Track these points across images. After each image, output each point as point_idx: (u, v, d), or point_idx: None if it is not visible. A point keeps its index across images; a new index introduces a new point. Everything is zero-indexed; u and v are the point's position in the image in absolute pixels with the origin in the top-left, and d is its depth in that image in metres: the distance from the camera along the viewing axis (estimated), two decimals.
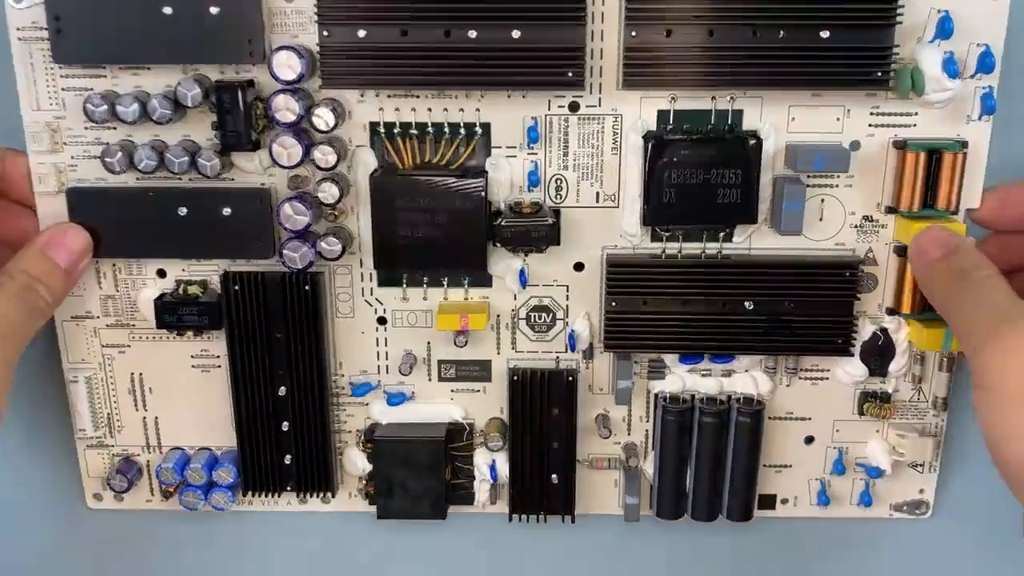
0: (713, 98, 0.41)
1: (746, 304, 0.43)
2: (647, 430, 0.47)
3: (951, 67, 0.39)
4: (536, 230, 0.42)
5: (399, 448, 0.45)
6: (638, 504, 0.46)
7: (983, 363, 0.34)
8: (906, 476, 0.47)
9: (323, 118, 0.40)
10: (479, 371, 0.46)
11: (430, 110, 0.41)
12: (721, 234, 0.43)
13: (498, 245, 0.42)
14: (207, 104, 0.41)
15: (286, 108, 0.40)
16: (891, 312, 0.44)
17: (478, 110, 0.41)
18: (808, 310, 0.43)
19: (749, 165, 0.41)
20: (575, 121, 0.42)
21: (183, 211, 0.42)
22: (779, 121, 0.41)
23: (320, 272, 0.44)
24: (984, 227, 0.42)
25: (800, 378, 0.45)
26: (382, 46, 0.39)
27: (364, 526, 0.49)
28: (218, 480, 0.46)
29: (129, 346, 0.46)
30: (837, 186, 0.42)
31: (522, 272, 0.44)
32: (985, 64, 0.40)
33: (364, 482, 0.47)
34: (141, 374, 0.46)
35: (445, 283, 0.44)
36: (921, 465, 0.46)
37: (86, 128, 0.42)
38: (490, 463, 0.46)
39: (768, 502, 0.48)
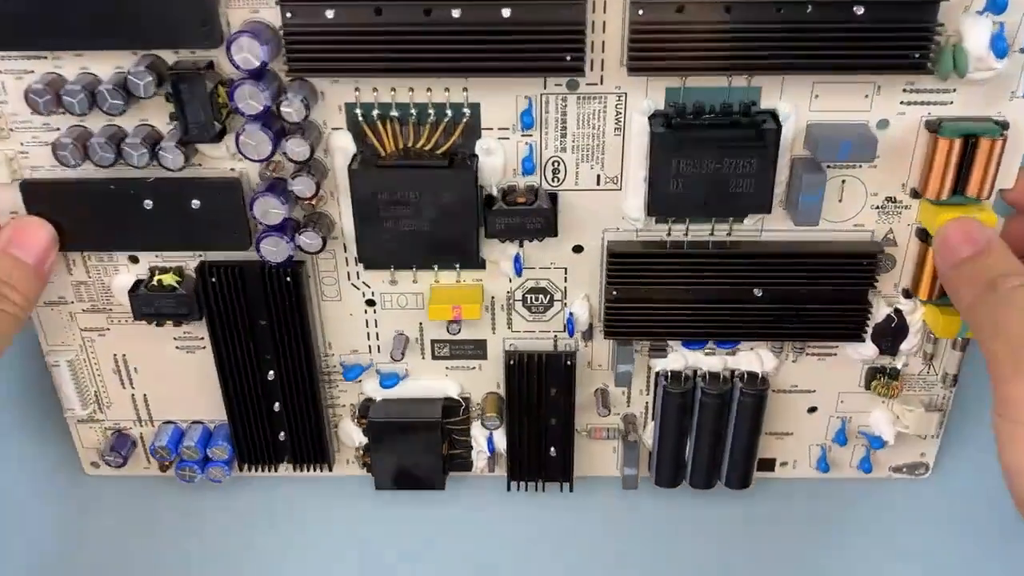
0: (729, 74, 0.37)
1: (755, 291, 0.40)
2: (647, 402, 0.45)
3: (1000, 44, 0.34)
4: (531, 222, 0.39)
5: (395, 428, 0.45)
6: (636, 475, 0.46)
7: (1012, 395, 0.32)
8: (908, 443, 0.46)
9: (292, 109, 0.36)
10: (474, 350, 0.44)
11: (411, 90, 0.37)
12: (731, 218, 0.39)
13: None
14: (163, 92, 0.36)
15: (250, 99, 0.35)
16: (907, 295, 0.41)
17: (465, 90, 0.37)
18: (821, 298, 0.40)
19: (766, 153, 0.37)
20: (574, 101, 0.37)
21: (149, 204, 0.39)
22: (801, 99, 0.37)
23: (301, 261, 0.41)
24: (1016, 207, 0.39)
25: (807, 355, 0.44)
26: (353, 28, 0.35)
27: (364, 489, 0.49)
28: (213, 456, 0.46)
29: (108, 329, 0.44)
30: (860, 166, 0.39)
31: (517, 258, 0.41)
32: None
33: (361, 452, 0.47)
34: (124, 355, 0.45)
35: (436, 267, 0.41)
36: (924, 437, 0.46)
37: (33, 114, 0.38)
38: (487, 436, 0.46)
39: (767, 465, 0.47)
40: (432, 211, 0.38)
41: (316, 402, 0.44)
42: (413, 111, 0.37)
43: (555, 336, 0.43)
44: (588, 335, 0.43)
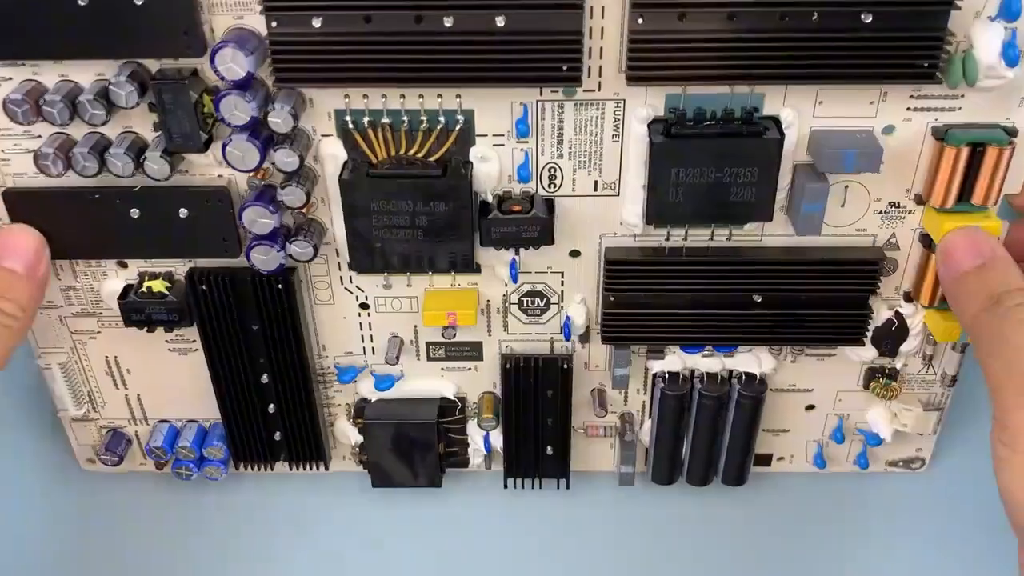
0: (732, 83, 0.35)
1: (755, 298, 0.40)
2: (644, 401, 0.45)
3: (1011, 53, 0.33)
4: (527, 230, 0.38)
5: (390, 430, 0.44)
6: (633, 472, 0.46)
7: (1012, 423, 0.31)
8: (905, 440, 0.46)
9: (280, 119, 0.35)
10: (470, 351, 0.44)
11: (403, 97, 0.36)
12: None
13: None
14: (147, 100, 0.35)
15: (236, 110, 0.34)
16: (908, 298, 0.41)
17: (459, 97, 0.36)
18: (822, 304, 0.40)
19: (768, 163, 0.36)
20: (571, 107, 0.36)
21: (135, 213, 0.38)
22: (805, 105, 0.36)
23: (293, 268, 0.40)
24: (1022, 213, 0.38)
25: (806, 355, 0.43)
26: (342, 37, 0.33)
27: (361, 487, 0.49)
28: (209, 456, 0.46)
29: (100, 332, 0.43)
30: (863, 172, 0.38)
31: (513, 264, 0.40)
32: None
33: (357, 449, 0.47)
34: (116, 357, 0.44)
35: (430, 272, 0.41)
36: (921, 434, 0.46)
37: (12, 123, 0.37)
38: (484, 435, 0.45)
39: (764, 460, 0.47)
40: (426, 220, 0.37)
41: (311, 404, 0.44)
42: (405, 118, 0.36)
43: (551, 338, 0.43)
44: (585, 338, 0.43)
